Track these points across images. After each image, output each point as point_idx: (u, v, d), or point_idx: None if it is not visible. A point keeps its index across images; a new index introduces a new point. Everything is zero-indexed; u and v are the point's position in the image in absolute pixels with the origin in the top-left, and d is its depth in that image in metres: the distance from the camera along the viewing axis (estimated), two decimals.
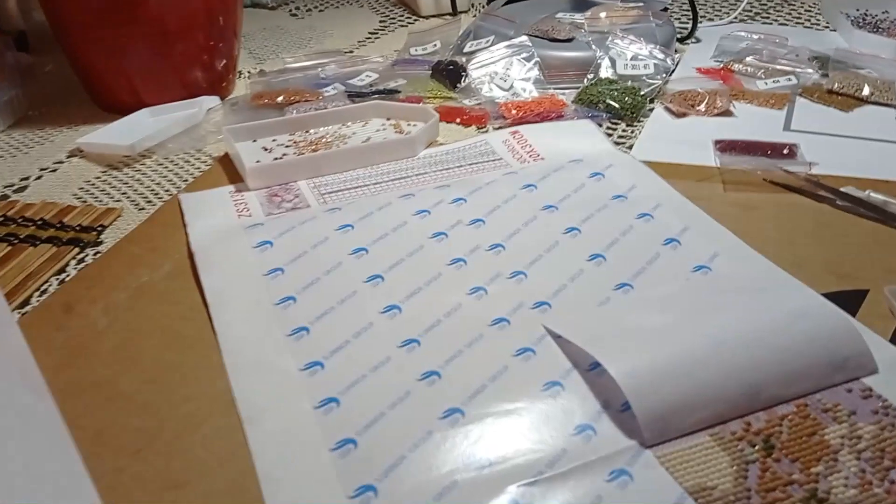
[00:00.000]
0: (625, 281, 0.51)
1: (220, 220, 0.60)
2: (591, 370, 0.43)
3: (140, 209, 0.64)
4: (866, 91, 0.74)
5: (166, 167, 0.70)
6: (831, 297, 0.48)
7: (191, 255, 0.56)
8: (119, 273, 0.55)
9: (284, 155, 0.69)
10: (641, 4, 0.87)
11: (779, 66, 0.80)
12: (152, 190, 0.66)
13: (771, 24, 1.00)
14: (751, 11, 1.03)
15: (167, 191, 0.66)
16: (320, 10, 1.13)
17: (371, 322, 0.48)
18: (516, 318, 0.48)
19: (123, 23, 0.74)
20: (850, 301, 0.48)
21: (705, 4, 1.06)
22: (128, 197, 0.65)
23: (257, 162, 0.67)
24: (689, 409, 0.39)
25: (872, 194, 0.57)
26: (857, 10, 0.95)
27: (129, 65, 0.77)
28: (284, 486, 0.38)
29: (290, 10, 1.13)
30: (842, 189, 0.58)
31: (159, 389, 0.45)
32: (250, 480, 0.39)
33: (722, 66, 0.83)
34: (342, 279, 0.52)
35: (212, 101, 0.78)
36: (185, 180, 0.67)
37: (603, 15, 0.86)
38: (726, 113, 0.73)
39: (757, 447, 0.38)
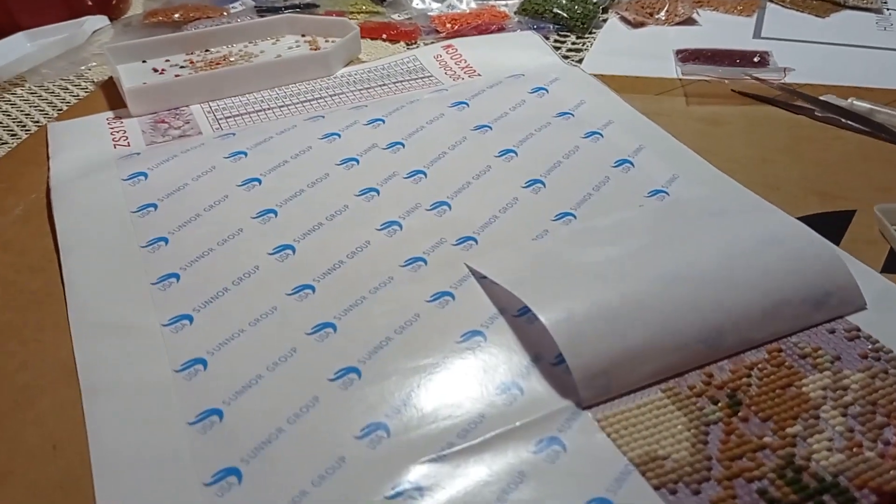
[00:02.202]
0: (566, 210, 0.42)
1: (91, 152, 0.50)
2: (520, 316, 0.35)
3: (2, 144, 0.53)
4: None
5: (39, 95, 0.59)
6: (811, 220, 0.40)
7: (49, 194, 0.46)
8: None
9: (177, 76, 0.58)
10: None
11: None
12: (19, 122, 0.56)
13: None
14: None
15: (36, 122, 0.56)
16: None
17: (257, 266, 0.39)
18: (435, 256, 0.39)
19: None
20: (833, 225, 0.40)
21: None
22: None
23: (143, 84, 0.57)
24: (638, 360, 0.31)
25: (856, 102, 0.49)
26: None
27: None
28: (122, 473, 0.29)
29: None
30: (821, 98, 0.50)
31: None
32: (87, 468, 0.30)
33: None
34: (227, 215, 0.43)
35: (99, 20, 0.67)
36: (60, 110, 0.57)
37: None
38: (689, 21, 0.65)
39: (720, 404, 0.30)
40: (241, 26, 0.63)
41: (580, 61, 0.60)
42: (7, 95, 0.60)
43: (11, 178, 0.49)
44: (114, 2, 0.72)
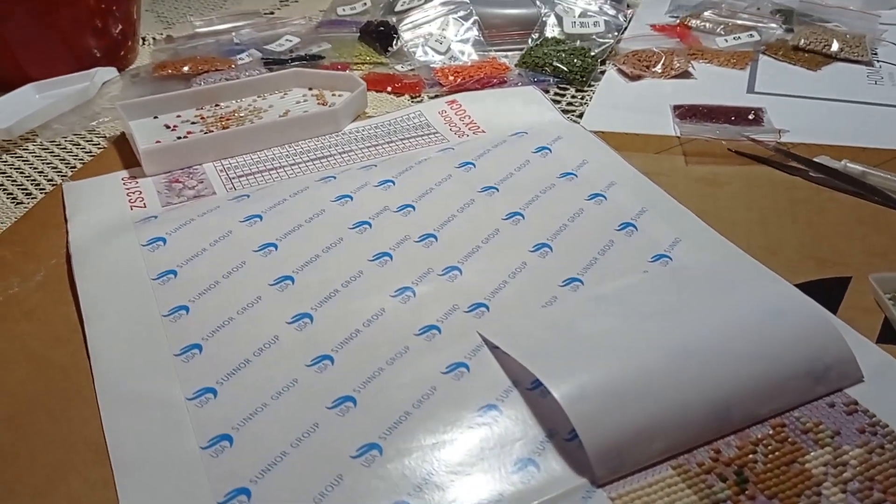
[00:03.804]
0: (573, 275, 0.44)
1: (108, 214, 0.51)
2: (533, 389, 0.36)
3: (17, 203, 0.54)
4: (835, 47, 0.68)
5: (51, 152, 0.60)
6: (809, 287, 0.42)
7: (69, 259, 0.47)
8: None
9: (189, 133, 0.60)
10: None
11: (739, 22, 0.74)
12: (33, 180, 0.57)
13: None
14: None
15: (50, 180, 0.57)
16: None
17: (276, 335, 0.40)
18: (448, 324, 0.41)
19: None
20: (830, 292, 0.42)
21: None
22: (3, 188, 0.56)
23: (156, 142, 0.58)
24: (649, 438, 0.33)
25: (849, 164, 0.51)
26: None
27: (9, 33, 0.66)
28: None
29: None
30: (815, 159, 0.52)
31: (20, 433, 0.37)
32: None
33: (678, 21, 0.76)
34: (245, 282, 0.44)
35: (108, 73, 0.68)
36: (73, 167, 0.58)
37: None
38: (685, 74, 0.67)
39: (728, 482, 0.32)
40: (249, 81, 0.65)
41: (580, 116, 0.62)
42: (19, 151, 0.61)
43: (30, 241, 0.50)
44: (122, 52, 0.73)
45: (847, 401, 0.35)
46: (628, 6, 0.80)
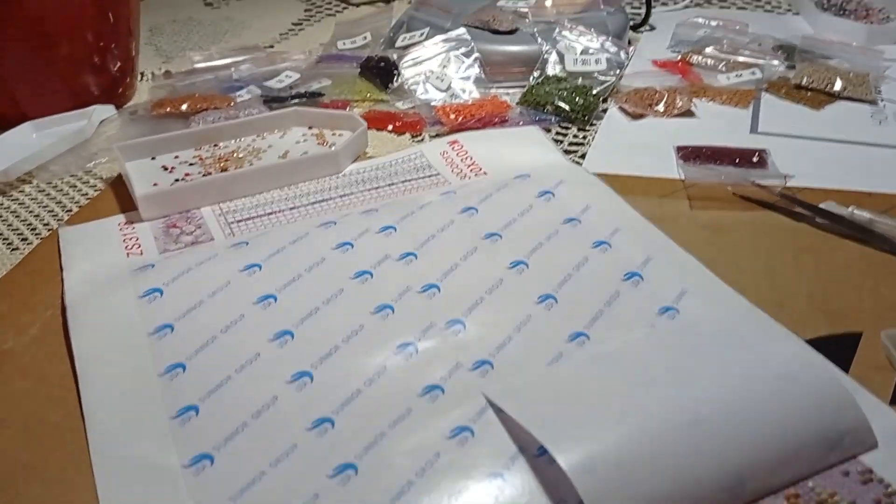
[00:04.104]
0: (579, 329, 0.43)
1: (104, 262, 0.50)
2: (540, 455, 0.35)
3: (13, 249, 0.54)
4: (838, 86, 0.67)
5: (48, 194, 0.60)
6: (820, 344, 0.41)
7: (64, 311, 0.46)
8: None
9: (187, 175, 0.59)
10: None
11: (741, 59, 0.73)
12: (29, 224, 0.56)
13: (729, 7, 0.94)
14: None
15: (46, 225, 0.56)
16: None
17: (275, 396, 0.39)
18: (452, 384, 0.40)
19: None
20: (841, 349, 0.41)
21: None
22: None
23: (154, 185, 0.58)
24: None
25: (856, 212, 0.50)
26: None
27: (6, 69, 0.66)
28: None
29: None
30: (821, 206, 0.51)
31: (12, 500, 0.36)
32: None
33: (680, 57, 0.76)
34: (244, 338, 0.43)
35: (106, 110, 0.68)
36: (69, 210, 0.58)
37: (549, 3, 0.77)
38: (687, 113, 0.66)
39: None
40: (249, 121, 0.64)
41: (582, 157, 0.62)
42: (15, 194, 0.60)
43: (24, 290, 0.49)
44: (120, 89, 0.73)
45: (862, 469, 0.34)
46: (629, 42, 0.80)
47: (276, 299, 0.46)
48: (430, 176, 0.59)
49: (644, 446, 0.33)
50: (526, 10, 0.76)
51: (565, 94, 0.66)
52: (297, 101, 0.69)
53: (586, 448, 0.33)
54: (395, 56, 0.73)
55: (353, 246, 0.50)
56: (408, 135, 0.66)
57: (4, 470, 0.37)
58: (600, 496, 0.32)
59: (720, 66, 0.73)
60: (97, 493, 0.35)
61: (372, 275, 0.48)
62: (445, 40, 0.73)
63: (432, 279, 0.47)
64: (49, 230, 0.55)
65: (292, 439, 0.37)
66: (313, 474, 0.35)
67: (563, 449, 0.33)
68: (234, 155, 0.62)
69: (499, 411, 0.38)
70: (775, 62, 0.72)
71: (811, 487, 0.34)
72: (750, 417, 0.35)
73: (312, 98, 0.70)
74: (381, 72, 0.71)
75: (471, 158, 0.61)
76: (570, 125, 0.66)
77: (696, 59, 0.74)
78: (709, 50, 0.75)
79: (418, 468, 0.35)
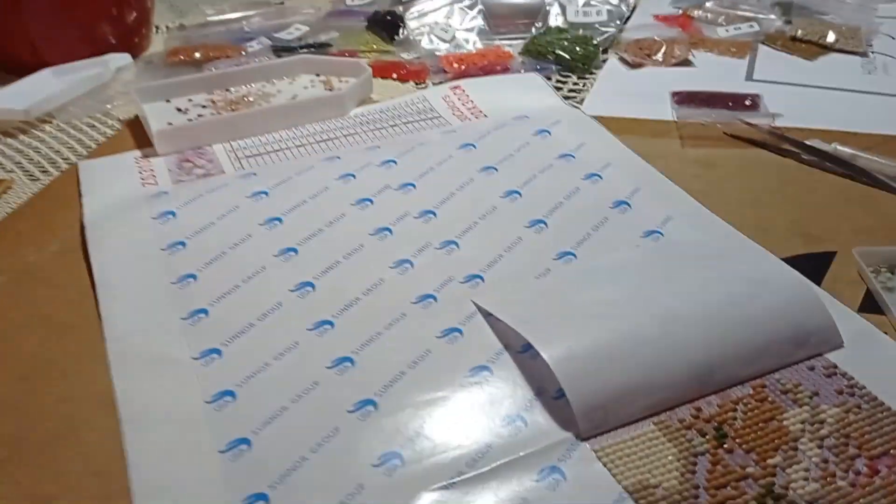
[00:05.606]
0: (567, 249, 0.45)
1: (121, 190, 0.53)
2: (524, 352, 0.38)
3: (34, 180, 0.57)
4: (831, 38, 0.69)
5: (68, 133, 0.63)
6: (796, 261, 0.43)
7: (83, 231, 0.49)
8: (0, 254, 0.48)
9: (200, 116, 0.62)
10: None
11: (740, 13, 0.75)
12: (49, 159, 0.59)
13: None
14: None
15: (66, 159, 0.59)
16: None
17: (280, 302, 0.42)
18: (444, 294, 0.42)
19: None
20: (815, 265, 0.43)
21: None
22: (21, 167, 0.58)
23: (168, 124, 0.60)
24: (633, 396, 0.34)
25: (839, 147, 0.52)
26: None
27: (27, 20, 0.69)
28: (159, 498, 0.32)
29: None
30: (807, 142, 0.53)
31: (33, 388, 0.39)
32: (126, 494, 0.33)
33: (681, 12, 0.77)
34: (251, 253, 0.46)
35: (122, 58, 0.70)
36: (88, 147, 0.60)
37: None
38: (685, 63, 0.68)
39: (707, 436, 0.33)
40: (259, 67, 0.67)
41: (581, 102, 0.64)
42: (36, 132, 0.63)
43: (45, 215, 0.52)
44: (136, 40, 0.76)
45: (827, 364, 0.36)
46: None
47: (281, 221, 0.48)
48: (431, 118, 0.61)
49: (620, 340, 0.36)
50: None
51: (566, 44, 0.68)
52: (305, 51, 0.71)
53: (567, 342, 0.36)
54: (401, 9, 0.75)
55: (355, 177, 0.53)
56: (412, 83, 0.68)
57: (30, 365, 0.40)
58: (577, 382, 0.34)
59: (720, 19, 0.74)
60: (111, 379, 0.38)
61: (372, 202, 0.50)
62: None
63: (429, 206, 0.50)
64: (69, 164, 0.58)
65: (294, 337, 0.40)
66: (313, 365, 0.38)
67: (545, 343, 0.36)
68: (245, 99, 0.64)
69: (487, 315, 0.40)
70: (773, 17, 0.74)
71: (777, 379, 0.36)
72: (721, 314, 0.37)
73: (321, 49, 0.72)
74: (387, 24, 0.74)
75: (472, 102, 0.63)
76: (570, 74, 0.68)
77: (696, 13, 0.76)
78: (709, 5, 0.76)
79: (410, 361, 0.38)
